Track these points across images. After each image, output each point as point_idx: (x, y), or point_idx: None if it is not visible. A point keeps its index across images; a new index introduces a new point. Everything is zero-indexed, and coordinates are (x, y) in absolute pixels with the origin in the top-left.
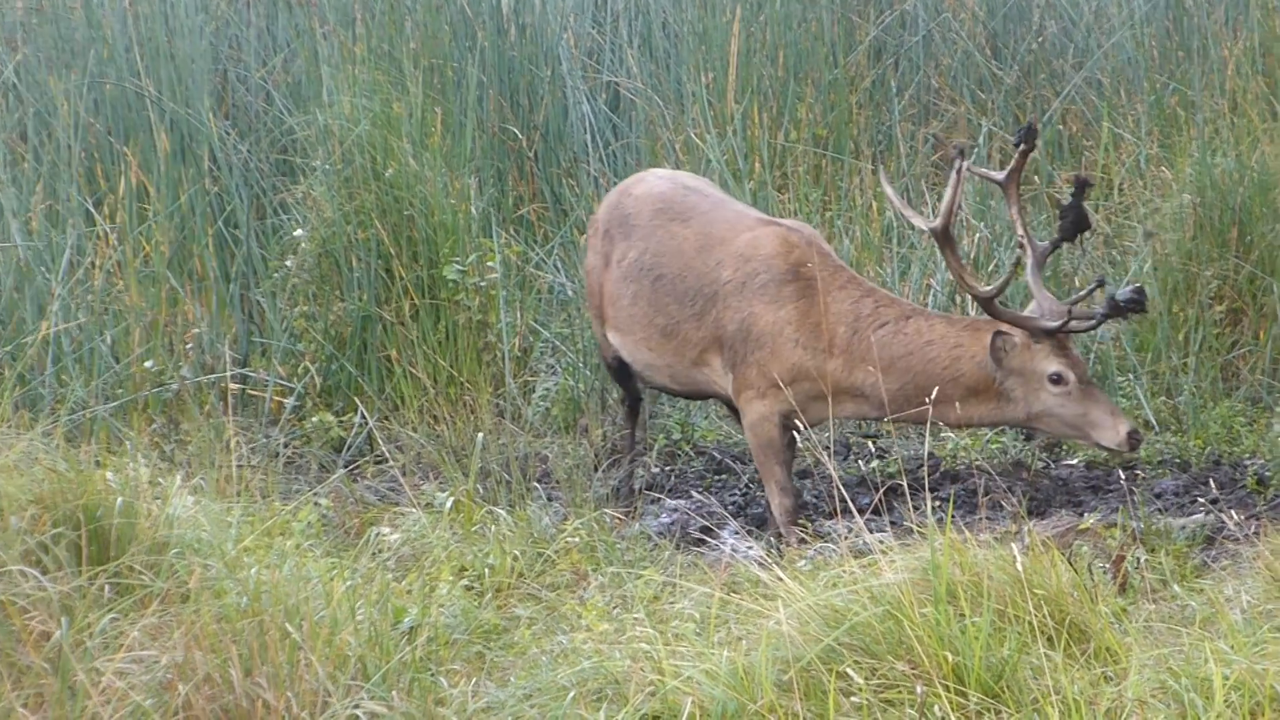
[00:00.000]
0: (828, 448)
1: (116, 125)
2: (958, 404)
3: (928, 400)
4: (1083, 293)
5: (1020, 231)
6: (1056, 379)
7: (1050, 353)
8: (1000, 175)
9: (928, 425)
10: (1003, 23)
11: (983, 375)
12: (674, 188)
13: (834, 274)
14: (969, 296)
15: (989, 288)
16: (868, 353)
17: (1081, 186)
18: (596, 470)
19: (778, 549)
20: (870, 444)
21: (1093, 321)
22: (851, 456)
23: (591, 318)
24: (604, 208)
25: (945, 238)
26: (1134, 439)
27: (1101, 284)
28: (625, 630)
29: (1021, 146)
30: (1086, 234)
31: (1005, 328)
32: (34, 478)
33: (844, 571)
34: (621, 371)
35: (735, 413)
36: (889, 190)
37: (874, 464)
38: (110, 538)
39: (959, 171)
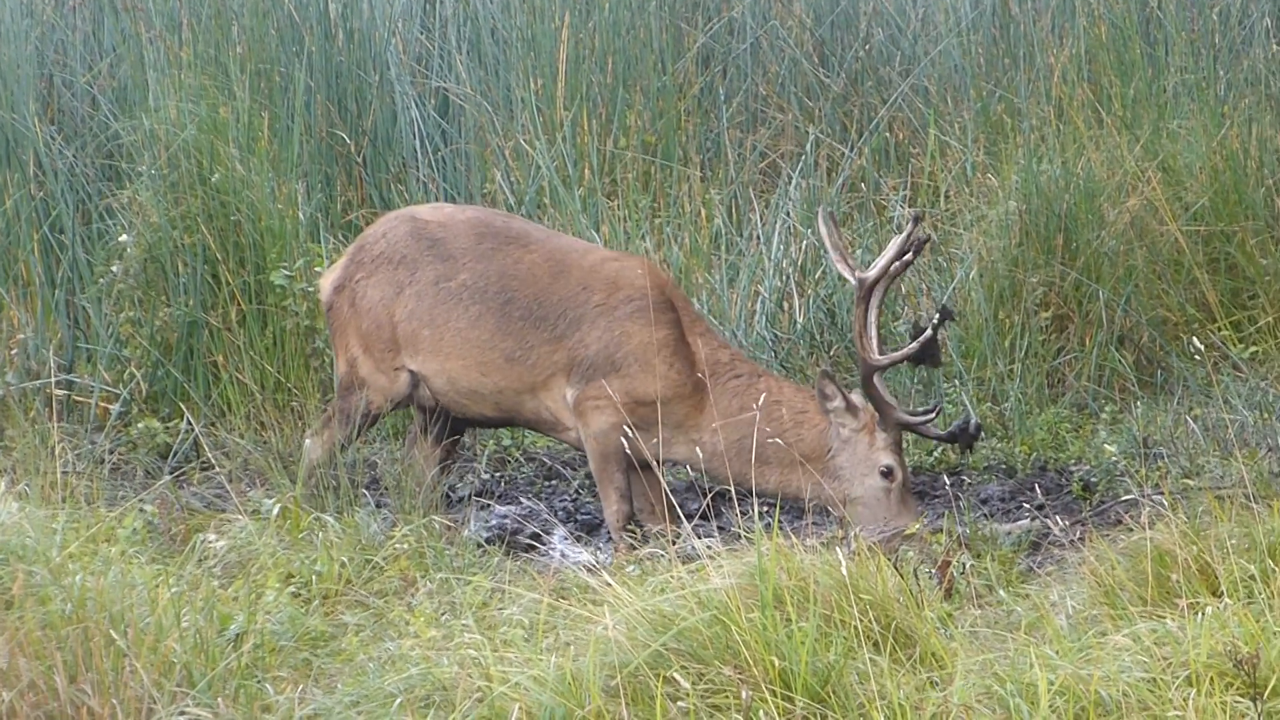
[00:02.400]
0: (656, 455)
1: None
2: (783, 470)
3: (754, 460)
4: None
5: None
6: (887, 472)
7: (890, 446)
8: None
9: (735, 486)
10: (830, 30)
11: (820, 445)
12: (485, 214)
13: (695, 320)
14: (860, 357)
15: (883, 358)
16: (718, 400)
17: (944, 317)
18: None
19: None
20: None
21: (941, 434)
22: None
23: (359, 355)
24: (388, 238)
25: (869, 294)
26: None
27: (949, 315)
28: (453, 637)
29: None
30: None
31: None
32: None
33: (672, 577)
34: (404, 405)
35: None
36: (824, 231)
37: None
38: None
39: (913, 243)
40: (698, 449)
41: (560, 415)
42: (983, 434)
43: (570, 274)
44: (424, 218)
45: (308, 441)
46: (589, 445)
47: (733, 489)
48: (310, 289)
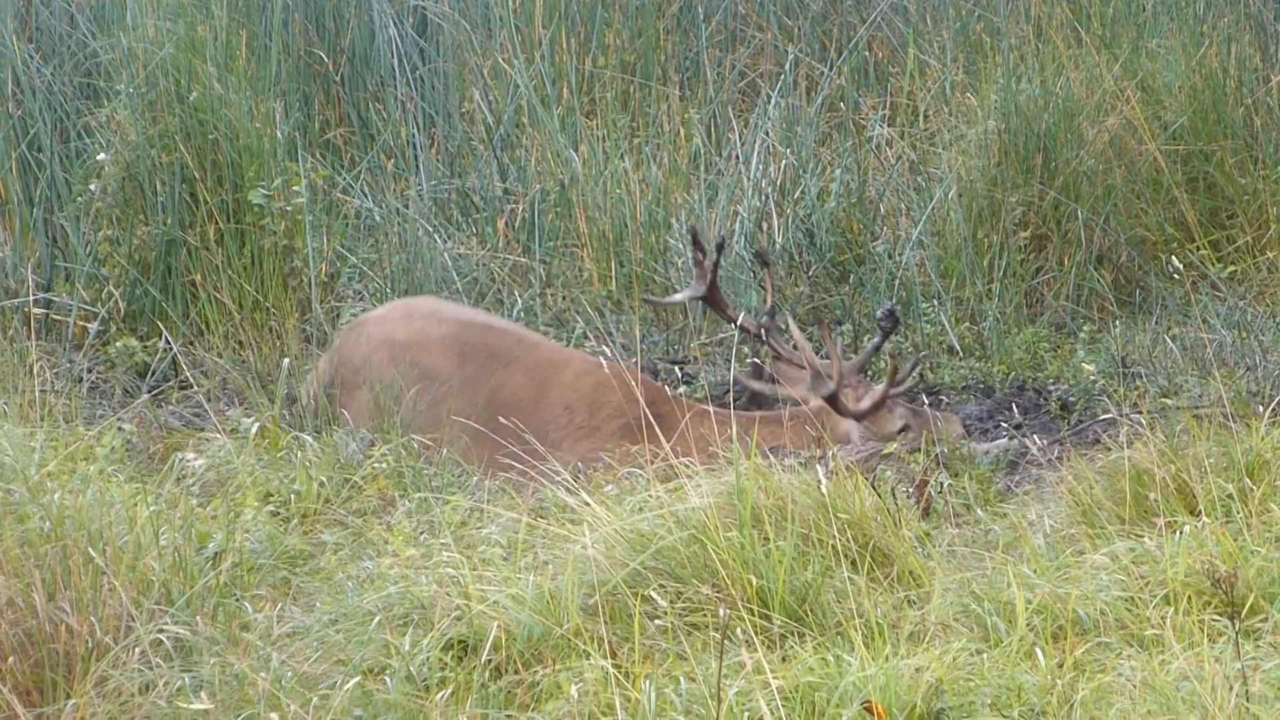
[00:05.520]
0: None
1: None
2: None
3: None
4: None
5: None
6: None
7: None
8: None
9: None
10: None
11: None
12: (462, 327)
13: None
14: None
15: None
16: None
17: (892, 322)
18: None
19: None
20: (677, 369)
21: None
22: (659, 381)
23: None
24: (370, 362)
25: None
26: None
27: (895, 321)
28: (432, 555)
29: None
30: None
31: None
32: None
33: (650, 496)
34: None
35: None
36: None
37: (680, 390)
38: None
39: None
40: None
41: None
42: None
43: (552, 394)
44: (401, 340)
45: (286, 362)
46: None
47: None
48: (289, 208)
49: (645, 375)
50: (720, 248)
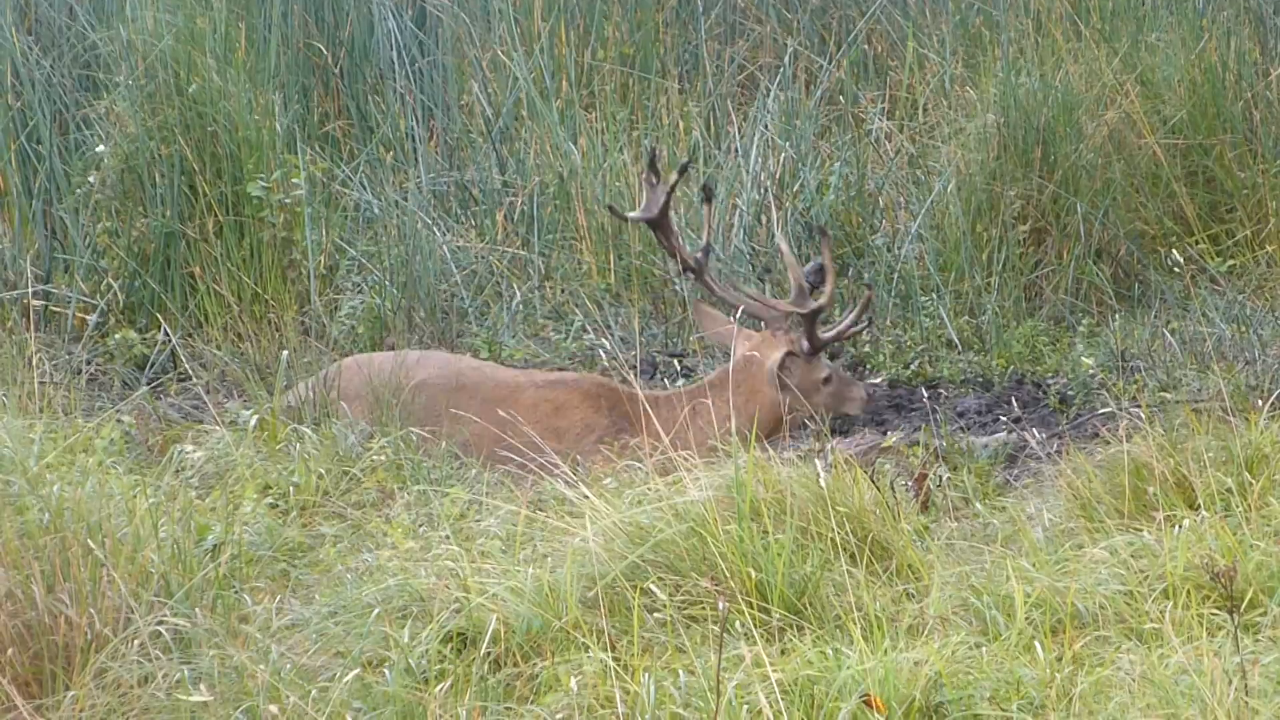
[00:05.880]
0: (634, 366)
1: None
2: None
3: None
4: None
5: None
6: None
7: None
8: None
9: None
10: None
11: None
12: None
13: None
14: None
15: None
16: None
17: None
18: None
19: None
20: (676, 363)
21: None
22: (658, 375)
23: None
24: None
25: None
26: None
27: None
28: (431, 548)
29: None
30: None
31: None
32: None
33: (649, 489)
34: None
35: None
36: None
37: (680, 383)
38: None
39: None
40: None
41: None
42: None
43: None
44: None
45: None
46: None
47: None
48: (288, 200)
49: (605, 380)
50: (684, 169)
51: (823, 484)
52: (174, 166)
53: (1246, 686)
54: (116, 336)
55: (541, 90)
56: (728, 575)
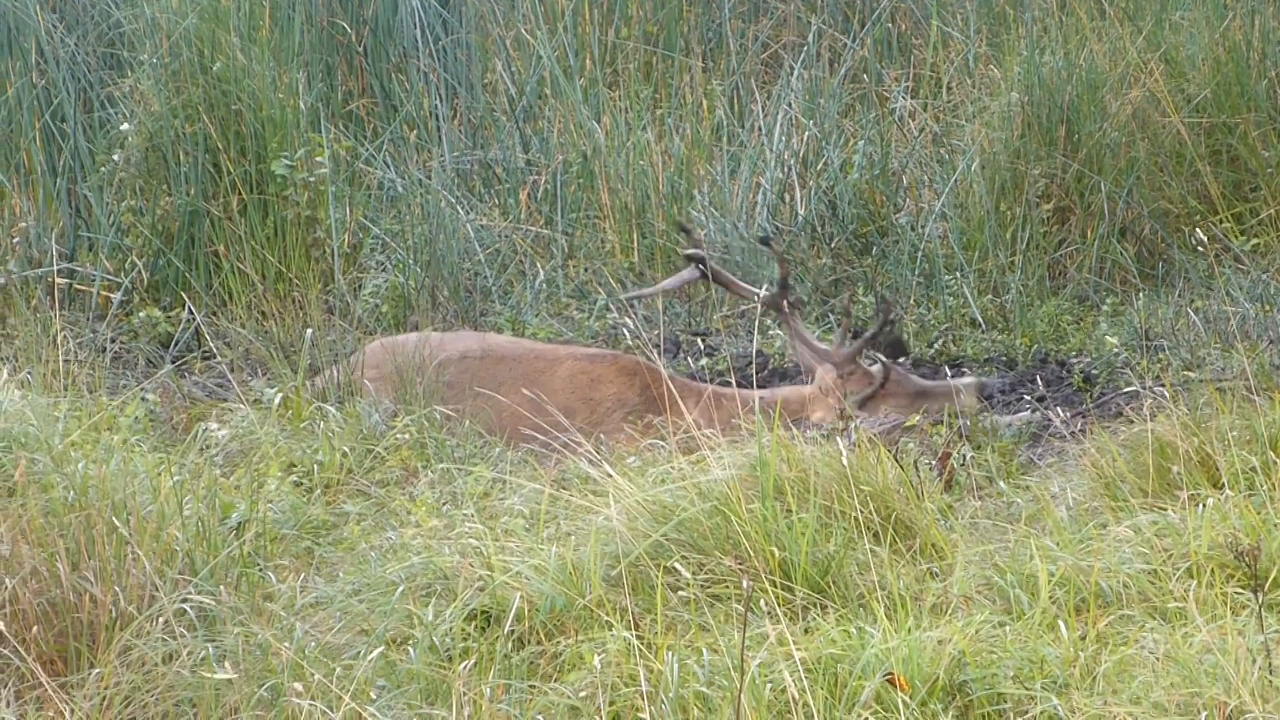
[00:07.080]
0: (658, 345)
1: None
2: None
3: None
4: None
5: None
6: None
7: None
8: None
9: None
10: None
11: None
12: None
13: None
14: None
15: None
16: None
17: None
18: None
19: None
20: (700, 341)
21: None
22: (681, 354)
23: None
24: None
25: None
26: None
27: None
28: (455, 526)
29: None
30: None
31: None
32: None
33: (673, 468)
34: None
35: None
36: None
37: (703, 361)
38: None
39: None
40: None
41: None
42: (771, 242)
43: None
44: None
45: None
46: None
47: None
48: (311, 179)
49: (643, 361)
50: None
51: (846, 463)
52: (198, 145)
53: (1270, 665)
54: (141, 315)
55: (565, 69)
56: (751, 554)
